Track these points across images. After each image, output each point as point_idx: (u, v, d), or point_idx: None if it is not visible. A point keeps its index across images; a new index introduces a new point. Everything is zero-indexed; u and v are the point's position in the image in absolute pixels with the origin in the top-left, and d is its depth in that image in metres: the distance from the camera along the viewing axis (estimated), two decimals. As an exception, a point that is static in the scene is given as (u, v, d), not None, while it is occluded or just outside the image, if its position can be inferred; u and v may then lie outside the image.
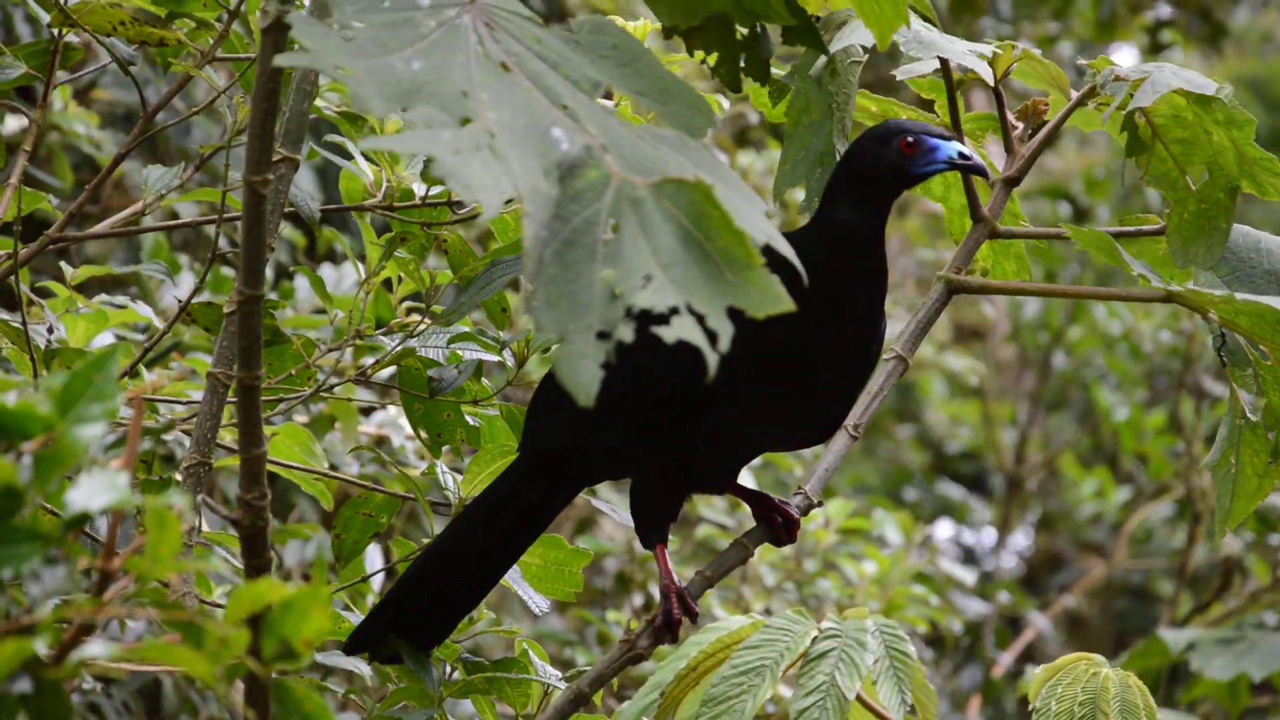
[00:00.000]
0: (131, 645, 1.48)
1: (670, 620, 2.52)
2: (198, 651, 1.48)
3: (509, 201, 1.74)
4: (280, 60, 1.80)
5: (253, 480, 2.12)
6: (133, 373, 2.93)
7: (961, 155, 2.40)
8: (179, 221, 2.97)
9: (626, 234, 1.73)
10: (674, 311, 1.71)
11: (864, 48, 2.55)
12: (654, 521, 2.55)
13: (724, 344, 1.71)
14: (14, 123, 3.69)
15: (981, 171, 2.42)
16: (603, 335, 1.71)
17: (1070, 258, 7.04)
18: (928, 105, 2.82)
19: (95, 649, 1.47)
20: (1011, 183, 2.71)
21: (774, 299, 1.73)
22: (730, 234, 1.75)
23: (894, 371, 2.64)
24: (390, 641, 2.62)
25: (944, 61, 2.61)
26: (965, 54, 2.56)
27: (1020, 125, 2.72)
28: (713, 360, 1.73)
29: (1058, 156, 8.52)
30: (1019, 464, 7.22)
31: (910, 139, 2.37)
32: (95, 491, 1.47)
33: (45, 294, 3.08)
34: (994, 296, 7.27)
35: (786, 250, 1.80)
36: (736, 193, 1.81)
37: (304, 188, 4.46)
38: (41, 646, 1.46)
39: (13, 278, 2.77)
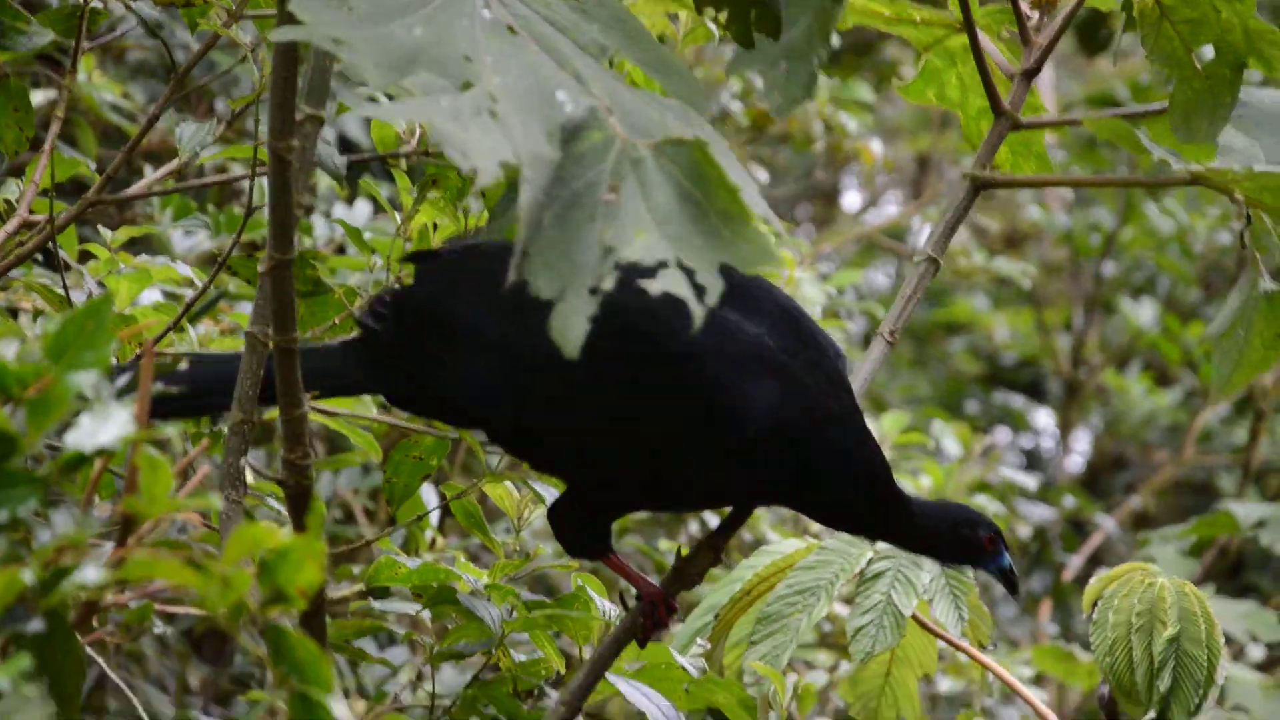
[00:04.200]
0: (119, 564, 1.49)
1: (660, 625, 2.49)
2: (194, 576, 1.49)
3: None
4: (275, 36, 1.79)
5: (295, 440, 2.13)
6: (178, 328, 2.95)
7: (1012, 569, 2.55)
8: (212, 179, 2.98)
9: (626, 193, 1.73)
10: (663, 266, 1.71)
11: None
12: (586, 530, 2.42)
13: (712, 299, 1.72)
14: (42, 95, 3.69)
15: (1016, 589, 2.58)
16: (593, 290, 1.71)
17: (1119, 160, 6.97)
18: (941, 3, 2.78)
19: (87, 574, 1.47)
20: (1030, 74, 2.66)
21: (765, 254, 1.73)
22: (726, 191, 1.75)
23: (926, 273, 2.61)
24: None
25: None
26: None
27: (1035, 14, 2.69)
28: (698, 313, 1.73)
29: (1106, 63, 8.43)
30: (1075, 367, 7.17)
31: (995, 539, 2.51)
32: (92, 431, 1.47)
33: (90, 259, 3.09)
34: (1031, 208, 7.21)
35: (771, 217, 1.80)
36: (732, 162, 1.81)
37: (350, 133, 4.45)
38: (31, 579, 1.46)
39: (51, 243, 2.80)
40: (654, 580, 2.45)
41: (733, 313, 2.24)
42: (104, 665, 3.28)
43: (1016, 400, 7.63)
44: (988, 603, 5.56)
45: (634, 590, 2.43)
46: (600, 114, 1.77)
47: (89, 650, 3.30)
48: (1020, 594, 2.62)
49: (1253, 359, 2.52)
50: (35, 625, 1.50)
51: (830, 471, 2.34)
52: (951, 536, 2.50)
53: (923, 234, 6.20)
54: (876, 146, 5.45)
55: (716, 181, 1.74)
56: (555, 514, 2.43)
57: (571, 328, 1.69)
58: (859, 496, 2.39)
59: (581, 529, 2.40)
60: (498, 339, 2.24)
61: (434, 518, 3.54)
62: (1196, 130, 2.48)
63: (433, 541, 3.41)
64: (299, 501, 2.13)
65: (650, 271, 1.78)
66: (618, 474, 2.33)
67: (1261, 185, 2.40)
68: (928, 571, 2.88)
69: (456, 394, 2.30)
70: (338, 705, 1.58)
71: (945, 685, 4.71)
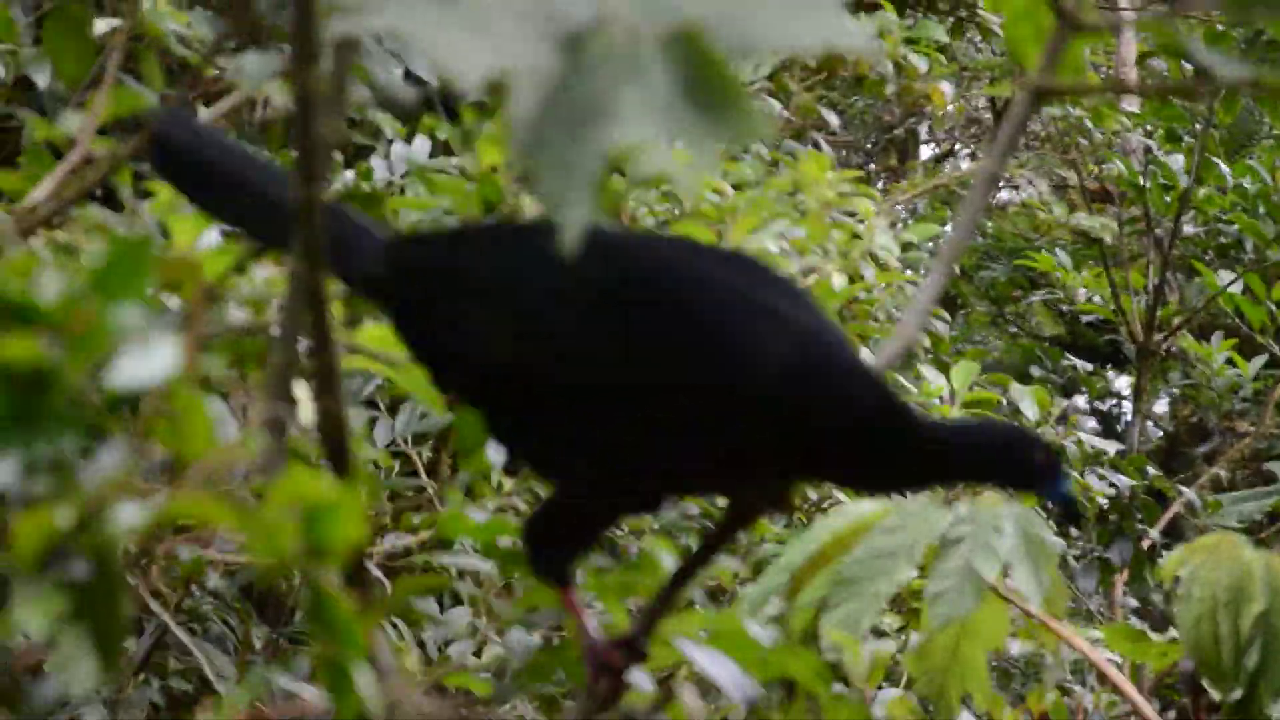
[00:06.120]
0: (163, 506, 1.40)
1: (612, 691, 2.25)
2: (238, 517, 1.41)
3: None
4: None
5: (325, 386, 2.05)
6: (238, 269, 2.88)
7: (1074, 496, 2.33)
8: (273, 114, 2.90)
9: (628, 93, 1.65)
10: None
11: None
12: (565, 544, 2.15)
13: (709, 160, 1.64)
14: (103, 25, 3.59)
15: (1079, 518, 2.36)
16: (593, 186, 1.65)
17: (1196, 116, 6.79)
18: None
19: (125, 513, 1.39)
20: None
21: (756, 126, 1.64)
22: (723, 75, 1.67)
23: (987, 188, 2.46)
24: None
25: None
26: None
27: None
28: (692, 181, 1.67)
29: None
30: (1151, 331, 6.99)
31: (1054, 461, 2.22)
32: (135, 369, 1.39)
33: (149, 196, 3.03)
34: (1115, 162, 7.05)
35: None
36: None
37: (417, 69, 4.32)
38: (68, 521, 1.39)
39: (114, 179, 2.73)
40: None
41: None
42: (169, 621, 3.23)
43: (1088, 366, 7.49)
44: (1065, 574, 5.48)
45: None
46: (605, 18, 1.69)
47: (153, 606, 3.25)
48: (1085, 520, 2.46)
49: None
50: (80, 570, 1.41)
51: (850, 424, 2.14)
52: (1004, 459, 2.32)
53: (1002, 186, 6.07)
54: (947, 88, 5.29)
55: (714, 66, 1.67)
56: (534, 525, 2.16)
57: (573, 220, 1.61)
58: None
59: (561, 542, 2.14)
60: (501, 296, 2.13)
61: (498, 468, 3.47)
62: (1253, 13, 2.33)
63: (499, 485, 3.34)
64: (335, 451, 2.04)
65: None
66: (626, 442, 2.14)
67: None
68: (1007, 538, 2.78)
69: (459, 350, 2.17)
70: (364, 677, 1.50)
71: (1015, 649, 4.60)
